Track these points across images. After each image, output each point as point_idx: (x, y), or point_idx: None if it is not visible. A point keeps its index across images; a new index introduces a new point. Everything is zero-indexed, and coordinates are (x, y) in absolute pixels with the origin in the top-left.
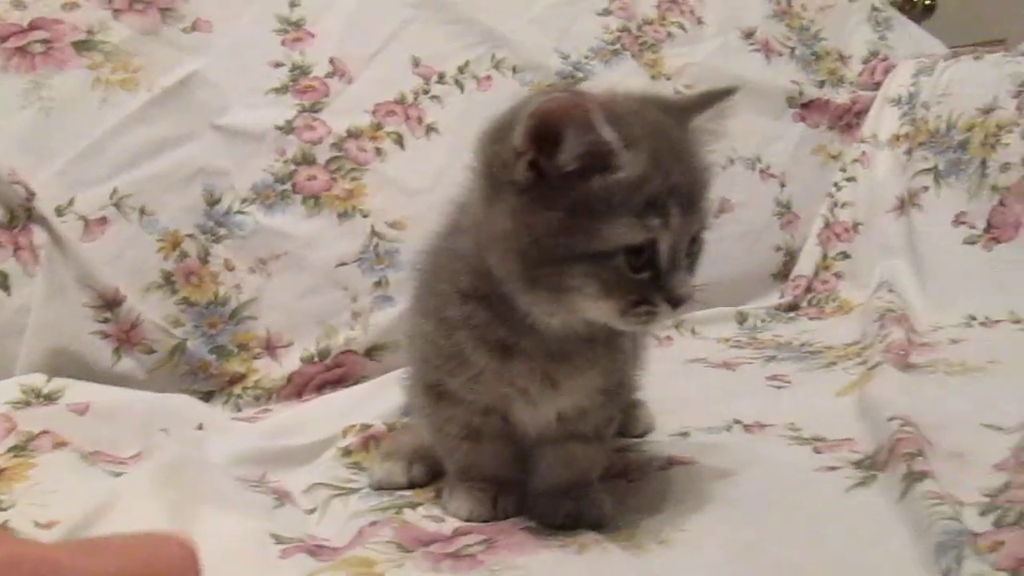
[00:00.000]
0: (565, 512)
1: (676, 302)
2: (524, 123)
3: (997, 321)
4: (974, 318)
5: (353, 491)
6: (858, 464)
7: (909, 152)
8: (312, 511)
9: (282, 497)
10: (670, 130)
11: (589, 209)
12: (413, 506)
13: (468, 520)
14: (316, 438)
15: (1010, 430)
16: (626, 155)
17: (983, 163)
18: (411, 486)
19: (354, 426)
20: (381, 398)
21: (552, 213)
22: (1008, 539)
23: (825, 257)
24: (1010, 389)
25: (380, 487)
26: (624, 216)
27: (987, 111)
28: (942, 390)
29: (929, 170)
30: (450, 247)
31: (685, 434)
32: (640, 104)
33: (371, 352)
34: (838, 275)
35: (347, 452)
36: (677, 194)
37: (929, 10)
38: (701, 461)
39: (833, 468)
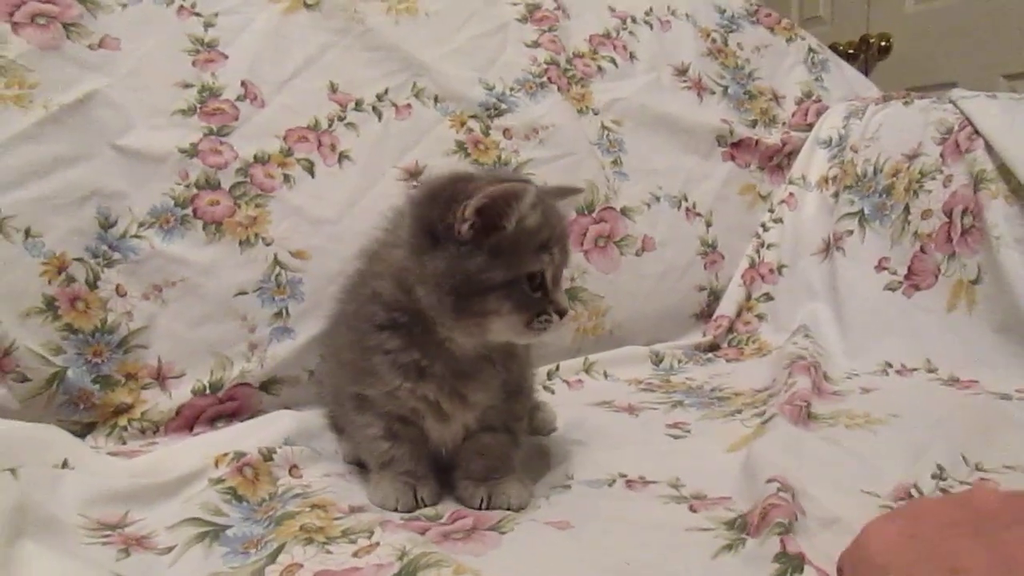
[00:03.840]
0: (480, 498)
1: (562, 312)
2: (477, 200)
3: (913, 369)
4: (890, 365)
5: (222, 528)
6: (730, 524)
7: (836, 195)
8: (170, 549)
9: (131, 545)
10: (548, 198)
11: (503, 251)
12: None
13: (394, 510)
14: (186, 471)
15: (884, 496)
16: (531, 214)
17: (906, 209)
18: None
19: (226, 455)
20: (266, 433)
21: (480, 257)
22: None
23: (748, 298)
24: (901, 447)
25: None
26: (527, 253)
27: (912, 157)
28: (834, 447)
29: (854, 214)
30: (366, 291)
31: (567, 486)
32: (527, 180)
33: (267, 386)
34: (760, 316)
35: (220, 481)
36: (557, 240)
37: (885, 51)
38: (573, 522)
39: (705, 529)
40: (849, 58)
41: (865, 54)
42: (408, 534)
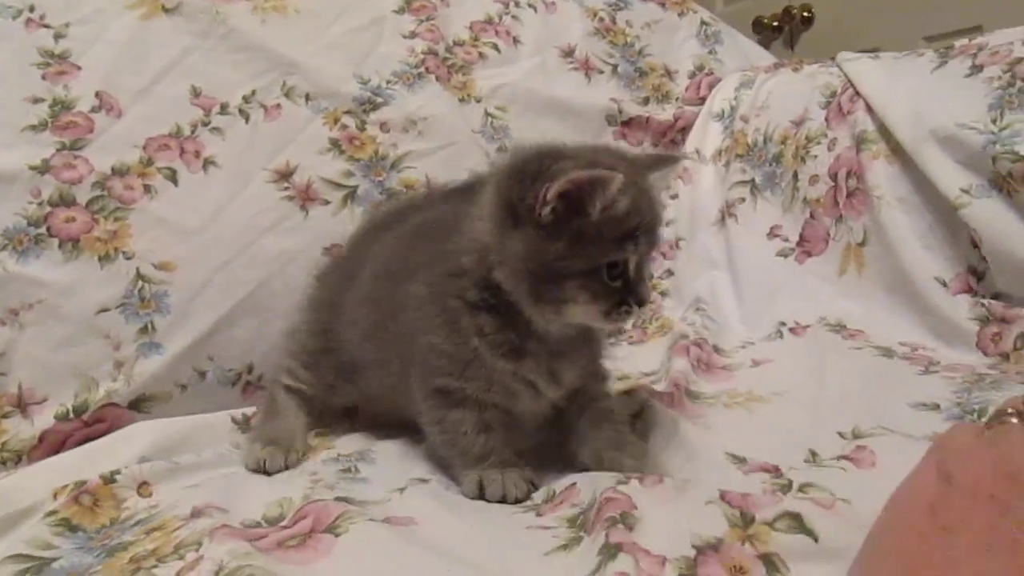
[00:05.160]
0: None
1: (642, 302)
2: (560, 185)
3: (807, 326)
4: (784, 324)
5: (48, 562)
6: (572, 521)
7: (728, 164)
8: None
9: None
10: (641, 181)
11: (585, 238)
12: None
13: (515, 501)
14: (23, 506)
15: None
16: (620, 201)
17: (795, 176)
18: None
19: (66, 486)
20: (119, 451)
21: (559, 243)
22: None
23: (651, 276)
24: (774, 430)
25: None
26: (609, 242)
27: (799, 123)
28: (705, 433)
29: (746, 182)
30: (451, 266)
31: (425, 481)
32: (619, 159)
33: (137, 404)
34: (663, 293)
35: (53, 513)
36: (645, 228)
37: (808, 22)
38: (417, 519)
39: (546, 528)
40: (774, 30)
41: (789, 25)
42: (234, 544)
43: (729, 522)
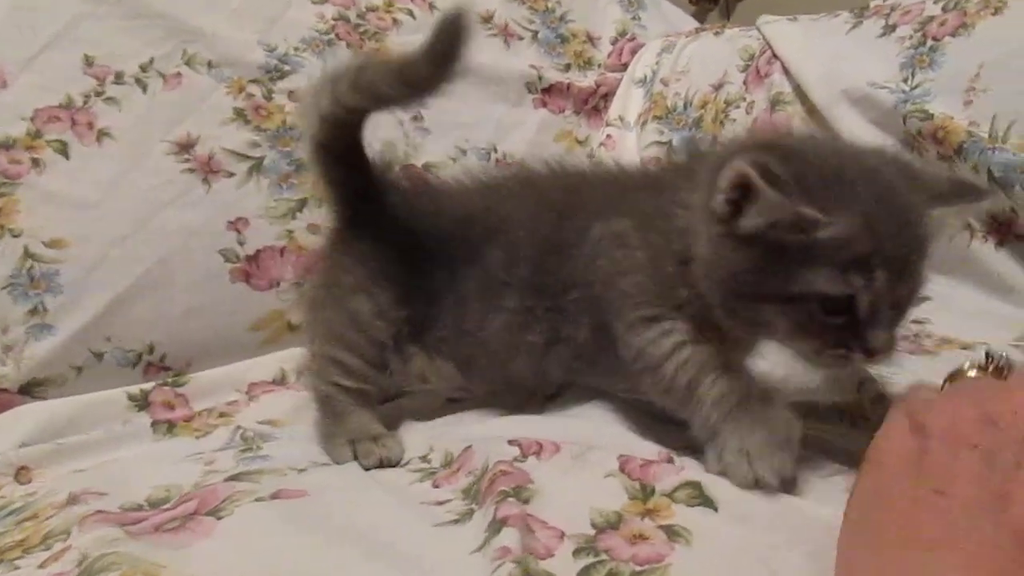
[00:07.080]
0: None
1: (870, 353)
2: (727, 173)
3: None
4: None
5: None
6: (466, 492)
7: (644, 125)
8: None
9: None
10: (894, 199)
11: (784, 256)
12: None
13: None
14: None
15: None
16: (828, 218)
17: (715, 140)
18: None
19: None
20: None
21: (746, 251)
22: None
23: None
24: None
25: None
26: (825, 268)
27: (718, 87)
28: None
29: (663, 143)
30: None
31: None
32: (864, 168)
33: (29, 388)
34: None
35: None
36: (887, 259)
37: None
38: (310, 491)
39: (441, 502)
40: (711, 1)
41: None
42: (103, 531)
43: (629, 494)
